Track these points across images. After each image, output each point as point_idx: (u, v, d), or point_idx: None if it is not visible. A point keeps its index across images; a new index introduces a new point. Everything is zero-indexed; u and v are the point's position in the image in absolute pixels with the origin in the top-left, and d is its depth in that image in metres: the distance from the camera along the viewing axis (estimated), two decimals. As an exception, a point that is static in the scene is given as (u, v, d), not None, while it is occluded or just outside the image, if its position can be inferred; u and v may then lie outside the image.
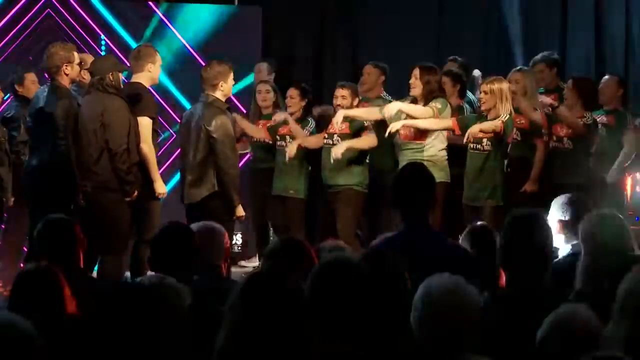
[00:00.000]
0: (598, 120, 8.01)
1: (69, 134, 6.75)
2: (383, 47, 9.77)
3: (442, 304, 3.05)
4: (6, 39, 8.93)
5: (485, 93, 7.43)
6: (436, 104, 7.58)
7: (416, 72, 7.67)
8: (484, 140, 7.44)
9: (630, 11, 9.69)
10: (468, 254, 4.36)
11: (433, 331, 3.04)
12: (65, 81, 6.84)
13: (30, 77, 8.17)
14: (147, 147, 7.08)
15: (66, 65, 6.79)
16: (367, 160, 8.05)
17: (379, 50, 9.56)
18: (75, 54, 6.90)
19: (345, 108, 7.92)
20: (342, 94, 7.98)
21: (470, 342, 3.05)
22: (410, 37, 9.99)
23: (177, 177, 9.08)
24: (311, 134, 8.25)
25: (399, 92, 8.23)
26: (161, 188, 7.20)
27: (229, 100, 7.48)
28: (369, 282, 3.32)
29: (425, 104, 7.61)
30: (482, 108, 7.50)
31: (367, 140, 7.93)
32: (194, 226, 4.62)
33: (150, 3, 9.43)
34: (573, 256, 4.53)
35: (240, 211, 7.10)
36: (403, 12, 10.25)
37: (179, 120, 9.12)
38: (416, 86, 7.63)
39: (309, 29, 10.26)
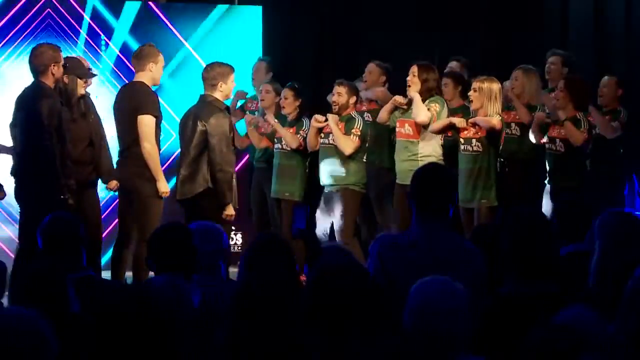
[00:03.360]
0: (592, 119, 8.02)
1: (53, 132, 6.74)
2: (382, 47, 9.76)
3: (429, 305, 3.05)
4: (6, 39, 8.92)
5: (475, 91, 7.46)
6: (435, 106, 7.59)
7: (414, 70, 7.69)
8: (473, 140, 7.45)
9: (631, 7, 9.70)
10: (484, 257, 4.31)
11: (424, 332, 3.04)
12: (50, 81, 6.79)
13: None
14: (150, 145, 7.11)
15: (54, 65, 6.77)
16: (365, 160, 8.06)
17: (378, 50, 9.56)
18: (62, 54, 6.88)
19: (341, 105, 7.96)
20: (338, 91, 8.02)
21: (462, 342, 3.05)
22: (410, 37, 9.99)
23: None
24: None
25: (398, 92, 8.23)
26: (164, 187, 7.23)
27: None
28: (368, 284, 3.32)
29: (422, 102, 7.62)
30: (472, 107, 7.52)
31: (348, 143, 7.91)
32: (193, 225, 4.62)
33: (151, 3, 9.42)
34: (575, 254, 4.55)
35: (230, 210, 7.08)
36: (403, 12, 10.26)
37: (179, 120, 9.15)
38: (413, 84, 7.64)
39: (308, 29, 10.25)
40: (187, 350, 2.99)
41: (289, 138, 8.21)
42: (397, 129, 7.77)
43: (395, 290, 3.38)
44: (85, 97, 7.20)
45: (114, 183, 7.33)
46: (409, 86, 7.69)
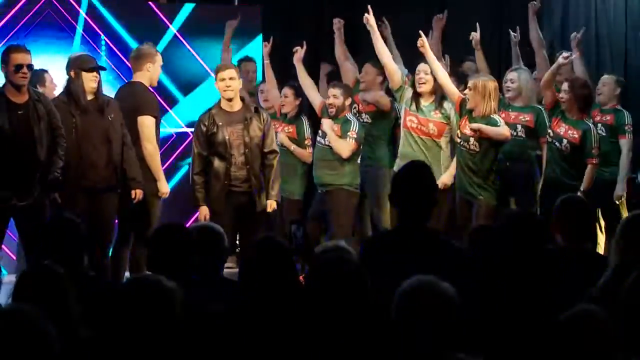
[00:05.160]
0: (597, 119, 8.04)
1: None
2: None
3: (416, 305, 3.06)
4: (6, 39, 8.91)
5: (470, 89, 7.47)
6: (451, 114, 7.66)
7: (425, 68, 7.71)
8: (471, 139, 7.44)
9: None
10: (467, 254, 4.33)
11: (412, 333, 3.05)
12: (7, 80, 6.70)
13: (49, 77, 8.19)
14: (151, 146, 7.12)
15: (2, 66, 6.70)
16: (359, 161, 8.08)
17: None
18: (16, 55, 6.63)
19: (337, 107, 7.98)
20: (334, 94, 8.04)
21: (451, 341, 3.06)
22: (411, 37, 9.97)
23: (178, 176, 9.14)
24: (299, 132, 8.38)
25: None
26: (164, 187, 7.24)
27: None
28: (366, 281, 3.34)
29: (435, 100, 7.72)
30: (468, 105, 7.51)
31: (344, 146, 7.92)
32: (192, 226, 4.63)
33: (151, 3, 9.42)
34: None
35: None
36: (403, 11, 10.25)
37: (179, 120, 9.16)
38: (427, 81, 7.70)
39: (308, 29, 10.25)
40: (183, 350, 2.99)
41: (302, 155, 8.27)
42: (413, 125, 7.75)
43: (378, 290, 3.38)
44: (99, 94, 6.99)
45: (139, 192, 7.07)
46: (423, 83, 7.71)
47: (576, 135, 7.56)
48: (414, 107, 7.78)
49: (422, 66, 7.76)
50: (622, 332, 3.10)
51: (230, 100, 7.21)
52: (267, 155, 7.32)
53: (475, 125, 7.38)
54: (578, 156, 7.58)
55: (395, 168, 7.71)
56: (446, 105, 7.74)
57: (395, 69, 7.86)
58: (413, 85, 7.83)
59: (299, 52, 8.23)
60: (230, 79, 7.19)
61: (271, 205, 7.32)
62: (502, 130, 7.40)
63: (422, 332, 3.01)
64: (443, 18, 8.46)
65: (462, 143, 7.51)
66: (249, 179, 7.18)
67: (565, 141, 7.58)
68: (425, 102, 7.77)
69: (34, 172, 6.63)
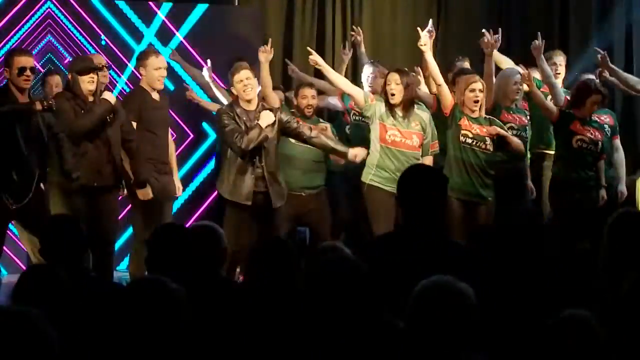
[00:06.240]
0: (600, 120, 8.12)
1: None
2: (383, 48, 9.78)
3: (434, 304, 3.06)
4: (6, 39, 8.92)
5: (481, 91, 7.39)
6: (432, 131, 7.57)
7: (396, 77, 7.46)
8: (487, 139, 7.42)
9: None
10: (471, 253, 4.34)
11: (426, 331, 3.05)
12: (10, 83, 6.69)
13: (52, 81, 8.14)
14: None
15: (5, 69, 6.73)
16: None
17: (379, 51, 9.57)
18: (19, 58, 6.66)
19: (314, 108, 7.96)
20: (311, 94, 7.99)
21: (466, 341, 3.06)
22: (410, 37, 10.01)
23: (178, 176, 9.13)
24: None
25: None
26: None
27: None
28: (368, 281, 3.34)
29: (407, 110, 7.50)
30: (486, 106, 7.48)
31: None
32: (192, 227, 4.64)
33: (151, 3, 9.42)
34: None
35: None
36: (403, 12, 10.28)
37: (179, 121, 9.16)
38: (397, 92, 7.44)
39: (307, 29, 10.27)
40: (187, 351, 3.00)
41: None
42: (396, 139, 7.49)
43: (384, 290, 3.39)
44: (97, 95, 6.98)
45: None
46: (393, 95, 7.47)
47: (600, 136, 7.74)
48: (391, 120, 7.49)
49: (391, 76, 7.50)
50: (619, 336, 3.11)
51: (249, 100, 7.19)
52: None
53: (503, 132, 7.40)
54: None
55: (369, 178, 7.53)
56: (423, 115, 7.55)
57: (356, 91, 7.61)
58: (384, 99, 7.55)
59: (268, 52, 7.62)
60: (247, 78, 7.16)
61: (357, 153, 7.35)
62: (521, 146, 7.52)
63: (440, 332, 3.02)
64: (433, 31, 8.14)
65: (475, 143, 7.41)
66: (264, 177, 7.16)
67: (600, 144, 7.72)
68: (401, 114, 7.50)
69: (36, 173, 6.66)
